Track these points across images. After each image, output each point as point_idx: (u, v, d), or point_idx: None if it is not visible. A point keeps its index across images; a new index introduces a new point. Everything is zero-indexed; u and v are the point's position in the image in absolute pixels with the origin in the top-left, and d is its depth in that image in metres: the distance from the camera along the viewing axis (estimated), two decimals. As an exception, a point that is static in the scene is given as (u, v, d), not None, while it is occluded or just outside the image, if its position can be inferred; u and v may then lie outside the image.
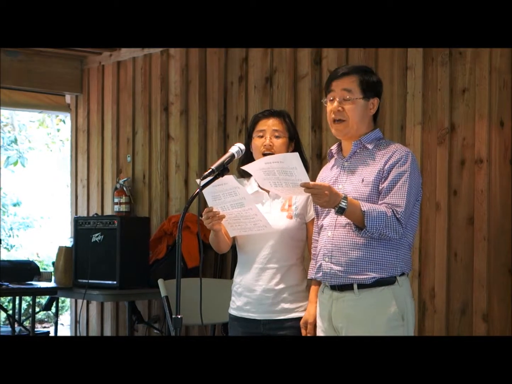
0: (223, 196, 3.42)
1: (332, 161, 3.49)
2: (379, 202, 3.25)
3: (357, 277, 3.26)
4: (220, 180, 3.33)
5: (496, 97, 4.43)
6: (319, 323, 3.42)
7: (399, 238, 3.25)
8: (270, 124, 3.66)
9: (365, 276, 3.25)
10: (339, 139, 3.48)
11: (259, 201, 3.64)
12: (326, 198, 3.14)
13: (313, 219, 3.59)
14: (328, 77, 3.43)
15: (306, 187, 3.15)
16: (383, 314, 3.25)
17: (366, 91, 3.34)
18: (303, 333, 3.52)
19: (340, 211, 3.18)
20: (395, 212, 3.20)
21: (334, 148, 3.48)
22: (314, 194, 3.16)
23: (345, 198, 3.17)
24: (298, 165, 3.16)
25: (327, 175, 3.46)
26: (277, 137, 3.65)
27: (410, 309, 3.32)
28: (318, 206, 3.37)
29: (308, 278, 3.56)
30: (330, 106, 3.36)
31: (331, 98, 3.35)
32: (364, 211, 3.17)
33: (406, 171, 3.25)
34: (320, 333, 3.40)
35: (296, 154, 3.19)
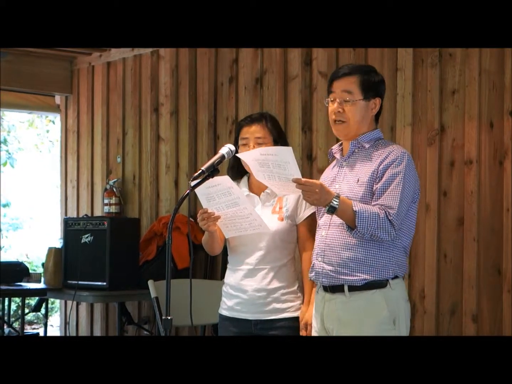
0: (217, 197, 3.42)
1: (334, 161, 3.47)
2: (373, 203, 3.21)
3: (348, 278, 3.23)
4: (213, 180, 3.33)
5: (485, 98, 4.43)
6: (313, 323, 3.40)
7: (391, 240, 3.21)
8: (252, 131, 3.65)
9: (356, 278, 3.22)
10: (340, 139, 3.46)
11: (250, 204, 3.64)
12: (316, 196, 3.12)
13: (304, 221, 3.60)
14: (329, 77, 3.41)
15: (298, 183, 3.14)
16: (374, 318, 3.22)
17: (367, 91, 3.30)
18: (303, 334, 3.51)
19: (331, 210, 3.15)
20: (387, 214, 3.16)
21: (334, 148, 3.45)
22: (305, 191, 3.14)
23: (338, 197, 3.14)
24: (291, 160, 3.15)
25: (328, 174, 3.44)
26: (259, 144, 3.64)
27: (403, 313, 3.27)
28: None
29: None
30: (331, 107, 3.34)
31: (332, 99, 3.33)
32: (355, 211, 3.14)
33: (400, 172, 3.21)
34: (313, 333, 3.40)
35: (290, 148, 3.18)
